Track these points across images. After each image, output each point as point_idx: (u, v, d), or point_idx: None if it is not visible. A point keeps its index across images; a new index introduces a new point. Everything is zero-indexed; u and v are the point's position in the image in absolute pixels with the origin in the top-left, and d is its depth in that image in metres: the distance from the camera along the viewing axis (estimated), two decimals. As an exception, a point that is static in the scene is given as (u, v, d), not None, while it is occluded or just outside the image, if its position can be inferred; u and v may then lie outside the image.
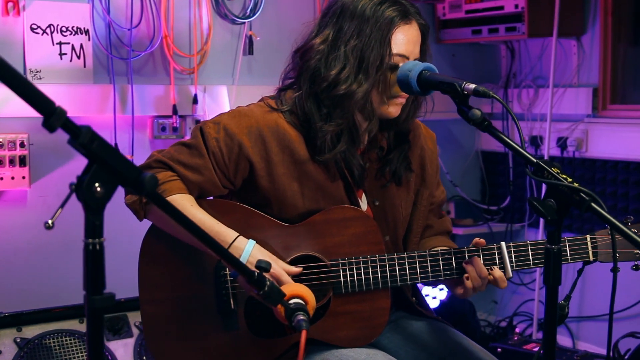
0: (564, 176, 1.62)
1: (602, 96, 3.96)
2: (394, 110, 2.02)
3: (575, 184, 1.59)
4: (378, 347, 2.11)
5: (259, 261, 1.56)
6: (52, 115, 1.17)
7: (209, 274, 2.01)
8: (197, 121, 3.63)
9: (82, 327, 3.15)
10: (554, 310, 1.66)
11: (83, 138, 1.21)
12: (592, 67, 4.01)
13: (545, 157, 4.04)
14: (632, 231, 1.52)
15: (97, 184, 1.23)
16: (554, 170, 1.63)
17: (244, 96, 3.72)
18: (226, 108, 3.70)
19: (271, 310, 1.95)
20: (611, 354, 3.47)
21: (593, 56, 4.01)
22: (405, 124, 2.11)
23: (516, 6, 3.87)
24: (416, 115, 2.12)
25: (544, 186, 4.06)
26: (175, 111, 3.56)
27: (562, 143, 4.06)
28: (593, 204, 1.56)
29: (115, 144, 3.44)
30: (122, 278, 3.41)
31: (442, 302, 3.95)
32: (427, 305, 2.29)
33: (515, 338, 3.75)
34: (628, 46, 4.02)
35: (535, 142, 4.20)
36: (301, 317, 1.53)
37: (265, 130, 2.00)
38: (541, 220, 4.10)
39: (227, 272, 1.99)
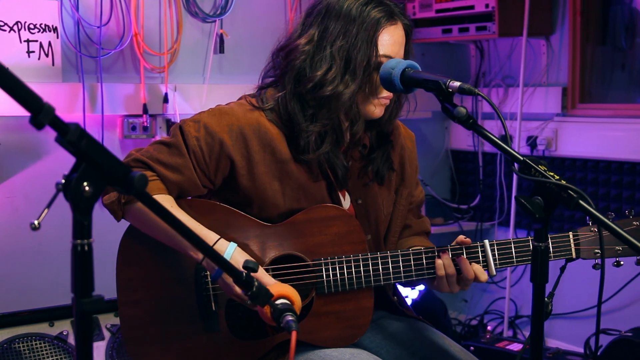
0: (551, 174, 1.62)
1: (571, 95, 3.99)
2: (378, 111, 2.01)
3: (563, 182, 1.59)
4: (359, 346, 2.09)
5: (247, 261, 1.53)
6: (40, 112, 1.14)
7: (189, 275, 1.98)
8: (168, 120, 3.59)
9: (52, 331, 3.09)
10: (541, 308, 1.66)
11: (71, 136, 1.17)
12: (561, 67, 4.05)
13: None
14: (619, 227, 1.52)
15: (85, 183, 1.20)
16: (542, 168, 1.63)
17: (215, 95, 3.69)
18: (197, 107, 3.66)
19: (252, 312, 1.93)
20: (583, 351, 3.51)
21: (562, 56, 4.04)
22: (387, 124, 2.10)
23: (487, 6, 3.88)
24: (398, 115, 2.11)
25: (514, 185, 4.09)
26: (145, 110, 3.51)
27: (532, 142, 4.08)
28: (581, 201, 1.56)
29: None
30: (95, 280, 3.37)
31: (414, 301, 3.95)
32: (407, 304, 2.28)
33: (488, 336, 3.76)
34: (596, 46, 4.06)
35: (506, 140, 4.21)
36: (290, 317, 1.51)
37: (247, 128, 1.97)
38: (511, 218, 4.12)
39: (208, 273, 1.96)
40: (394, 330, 2.16)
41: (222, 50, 3.72)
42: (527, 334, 4.24)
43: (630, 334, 3.28)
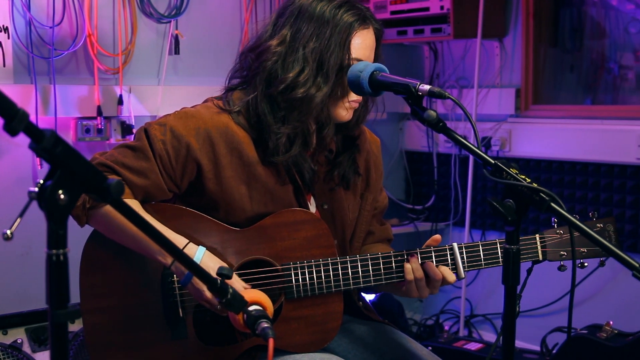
0: (523, 176, 1.63)
1: (525, 96, 4.05)
2: (348, 114, 2.01)
3: (534, 184, 1.60)
4: (328, 351, 2.08)
5: (221, 268, 1.51)
6: (14, 118, 1.10)
7: (156, 281, 1.94)
8: (123, 122, 3.53)
9: (5, 339, 3.01)
10: (513, 310, 1.68)
11: (47, 143, 1.14)
12: (514, 68, 4.10)
13: (471, 157, 4.11)
14: (599, 228, 1.54)
15: (60, 192, 1.16)
16: (513, 171, 1.64)
17: (170, 96, 3.64)
18: (152, 109, 3.61)
19: (220, 318, 1.91)
20: (540, 349, 3.55)
21: (515, 57, 4.09)
22: (355, 127, 2.09)
23: (442, 7, 3.90)
24: (366, 119, 2.10)
25: (469, 186, 4.13)
26: (99, 112, 3.44)
27: (486, 142, 4.12)
28: (553, 204, 1.57)
29: (38, 147, 3.30)
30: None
31: (371, 303, 3.96)
32: (372, 308, 2.28)
33: (445, 336, 3.79)
34: (548, 47, 4.13)
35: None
36: (265, 324, 1.48)
37: (214, 131, 1.94)
38: (467, 219, 4.16)
39: (175, 279, 1.93)
40: (360, 334, 2.16)
41: (177, 52, 3.68)
42: (482, 333, 4.29)
43: (585, 332, 3.33)
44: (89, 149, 3.49)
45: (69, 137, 3.44)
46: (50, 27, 3.32)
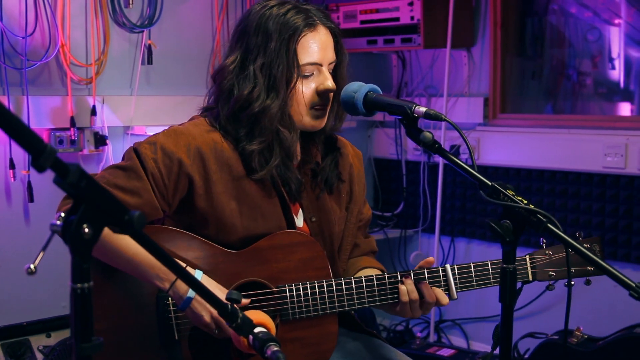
0: (519, 198, 1.68)
1: (493, 105, 4.12)
2: (317, 122, 2.03)
3: (531, 206, 1.65)
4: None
5: (230, 292, 1.52)
6: (41, 155, 1.10)
7: (150, 303, 1.94)
8: (96, 133, 3.51)
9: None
10: (509, 329, 1.71)
11: (72, 177, 1.14)
12: (482, 78, 4.17)
13: (440, 165, 4.17)
14: (586, 248, 1.59)
15: (85, 225, 1.17)
16: (510, 193, 1.68)
17: (143, 106, 3.63)
18: (125, 119, 3.59)
19: (216, 340, 1.91)
20: (512, 354, 3.62)
21: (483, 67, 4.16)
22: (333, 130, 2.13)
23: (412, 18, 3.95)
24: (343, 119, 2.12)
25: (438, 193, 4.18)
26: (73, 123, 3.41)
27: (455, 150, 4.19)
28: (550, 225, 1.62)
29: (11, 159, 3.27)
30: (23, 300, 3.27)
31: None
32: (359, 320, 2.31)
33: (418, 342, 3.84)
34: (515, 57, 4.21)
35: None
36: (275, 348, 1.50)
37: (204, 147, 1.96)
38: (436, 225, 4.21)
39: (171, 301, 1.93)
40: (351, 348, 2.18)
41: (150, 61, 3.66)
42: (452, 337, 4.35)
43: (556, 337, 3.41)
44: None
45: (42, 148, 3.40)
46: (23, 38, 3.28)
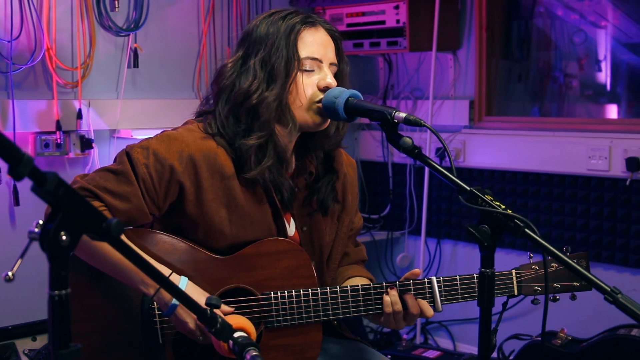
0: (497, 203, 1.69)
1: (478, 108, 4.14)
2: (319, 120, 2.01)
3: (509, 211, 1.66)
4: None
5: (209, 298, 1.53)
6: (19, 164, 1.11)
7: (135, 307, 1.95)
8: (82, 137, 3.51)
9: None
10: (487, 333, 1.73)
11: (49, 186, 1.15)
12: (468, 80, 4.19)
13: (426, 167, 4.18)
14: (567, 256, 1.61)
15: (62, 233, 1.18)
16: (488, 198, 1.70)
17: (129, 110, 3.63)
18: (111, 122, 3.59)
19: (200, 345, 1.92)
20: (497, 356, 3.64)
21: (468, 70, 4.18)
22: (334, 147, 2.13)
23: (398, 21, 3.97)
24: (346, 128, 2.13)
25: (424, 195, 4.20)
26: (59, 127, 3.41)
27: (440, 153, 4.21)
28: (527, 230, 1.63)
29: (-4, 163, 3.27)
30: (9, 304, 3.27)
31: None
32: (346, 326, 2.32)
33: (403, 344, 3.86)
34: (501, 60, 4.23)
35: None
36: (254, 352, 1.51)
37: (197, 154, 1.96)
38: (422, 227, 4.24)
39: (155, 305, 1.94)
40: (334, 353, 2.19)
41: (136, 65, 3.67)
42: (438, 339, 4.37)
43: (540, 339, 3.43)
44: (48, 164, 3.46)
45: (28, 151, 3.40)
46: (8, 41, 3.28)
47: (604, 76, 4.10)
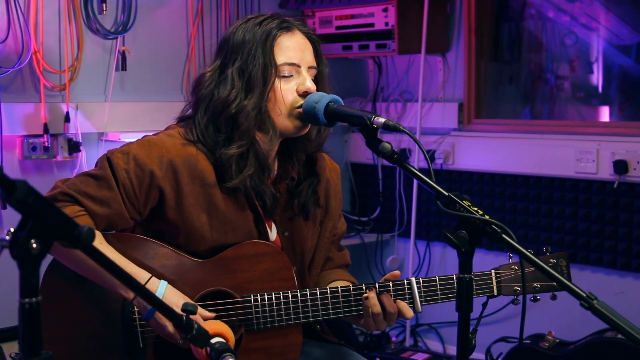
0: (475, 208, 1.69)
1: (467, 111, 4.15)
2: (299, 125, 2.01)
3: (487, 217, 1.66)
4: (284, 374, 2.11)
5: (186, 304, 1.54)
6: (-13, 172, 1.11)
7: (116, 311, 1.95)
8: (70, 140, 3.51)
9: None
10: (466, 337, 1.73)
11: (19, 194, 1.15)
12: (457, 83, 4.20)
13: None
14: (547, 257, 1.61)
15: (33, 241, 1.18)
16: (466, 203, 1.70)
17: (117, 113, 3.64)
18: (99, 125, 3.59)
19: (180, 349, 1.93)
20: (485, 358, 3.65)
21: (458, 72, 4.19)
22: (315, 150, 2.12)
23: (386, 24, 3.98)
24: (327, 131, 2.13)
25: (414, 197, 4.21)
26: (46, 130, 3.42)
27: (430, 155, 4.21)
28: (504, 236, 1.63)
29: (-17, 166, 3.26)
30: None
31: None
32: (329, 331, 2.32)
33: (392, 347, 3.86)
34: (490, 62, 4.24)
35: (405, 154, 4.34)
36: (231, 358, 1.52)
37: (177, 159, 1.97)
38: (412, 230, 4.24)
39: (136, 309, 1.94)
40: (317, 357, 2.20)
41: (124, 68, 3.67)
42: (428, 342, 4.38)
43: (528, 342, 3.44)
44: (36, 167, 3.46)
45: (15, 155, 3.41)
46: (-5, 45, 3.28)
47: (596, 78, 4.10)
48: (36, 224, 1.18)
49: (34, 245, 1.18)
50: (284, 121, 2.01)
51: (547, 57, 4.17)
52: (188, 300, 1.92)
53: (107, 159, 1.96)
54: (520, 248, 1.63)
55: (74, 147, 3.51)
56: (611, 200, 3.65)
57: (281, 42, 2.01)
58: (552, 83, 4.21)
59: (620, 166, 3.56)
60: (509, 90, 4.33)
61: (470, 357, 3.59)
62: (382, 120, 1.82)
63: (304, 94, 2.00)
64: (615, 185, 3.60)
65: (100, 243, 1.90)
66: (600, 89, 4.08)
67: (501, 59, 4.30)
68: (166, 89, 3.83)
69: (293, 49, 2.01)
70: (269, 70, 1.97)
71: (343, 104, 1.95)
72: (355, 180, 4.70)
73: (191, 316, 1.79)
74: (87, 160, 3.55)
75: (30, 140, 3.40)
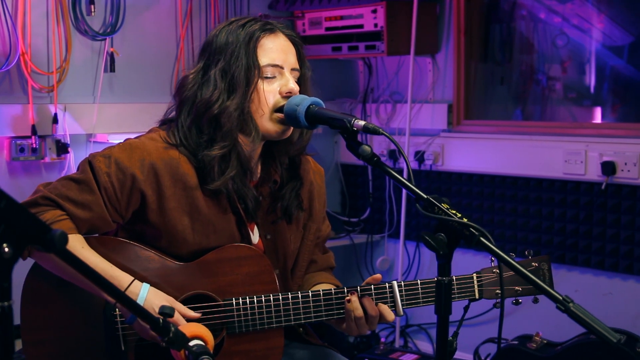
0: (454, 211, 1.70)
1: (457, 112, 4.15)
2: (281, 128, 2.02)
3: (465, 220, 1.67)
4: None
5: (163, 307, 1.54)
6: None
7: (98, 314, 1.96)
8: (58, 141, 3.51)
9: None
10: (445, 340, 1.74)
11: (-10, 198, 1.15)
12: (447, 84, 4.20)
13: (404, 171, 4.19)
14: (526, 260, 1.62)
15: (5, 245, 1.18)
16: (444, 206, 1.70)
17: (105, 114, 3.64)
18: (88, 127, 3.59)
19: (163, 350, 1.93)
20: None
21: (447, 73, 4.20)
22: (298, 152, 2.13)
23: (375, 25, 3.98)
24: (310, 134, 2.13)
25: (403, 199, 4.21)
26: (34, 131, 3.42)
27: (419, 157, 4.22)
28: (482, 239, 1.64)
29: (-30, 168, 3.27)
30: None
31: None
32: (313, 332, 2.33)
33: (382, 347, 3.86)
34: (479, 63, 4.24)
35: (394, 155, 4.35)
36: (207, 361, 1.52)
37: (159, 163, 1.97)
38: (401, 230, 4.24)
39: (118, 312, 1.94)
40: (300, 358, 2.20)
41: (112, 69, 3.67)
42: (418, 342, 4.38)
43: (516, 342, 3.44)
44: (24, 169, 3.46)
45: (3, 156, 3.41)
46: (-17, 46, 3.28)
47: (588, 79, 4.11)
48: (8, 229, 1.18)
49: (6, 250, 1.18)
50: (266, 123, 2.01)
51: (538, 58, 4.18)
52: (172, 301, 1.92)
53: (89, 163, 1.96)
54: (498, 251, 1.64)
55: (62, 148, 3.50)
56: (599, 201, 3.66)
57: (264, 44, 2.01)
58: (543, 84, 4.21)
59: (608, 167, 3.57)
60: (500, 91, 4.33)
61: (459, 357, 3.60)
62: (362, 123, 1.83)
63: (286, 95, 2.00)
64: (603, 187, 3.61)
65: (82, 247, 1.90)
66: (592, 90, 4.09)
67: (492, 60, 4.31)
68: (155, 91, 3.83)
69: (276, 50, 2.02)
70: (252, 71, 1.98)
71: (324, 106, 1.96)
72: (345, 181, 4.71)
73: (172, 319, 1.81)
74: (75, 162, 3.55)
75: (18, 142, 3.40)
